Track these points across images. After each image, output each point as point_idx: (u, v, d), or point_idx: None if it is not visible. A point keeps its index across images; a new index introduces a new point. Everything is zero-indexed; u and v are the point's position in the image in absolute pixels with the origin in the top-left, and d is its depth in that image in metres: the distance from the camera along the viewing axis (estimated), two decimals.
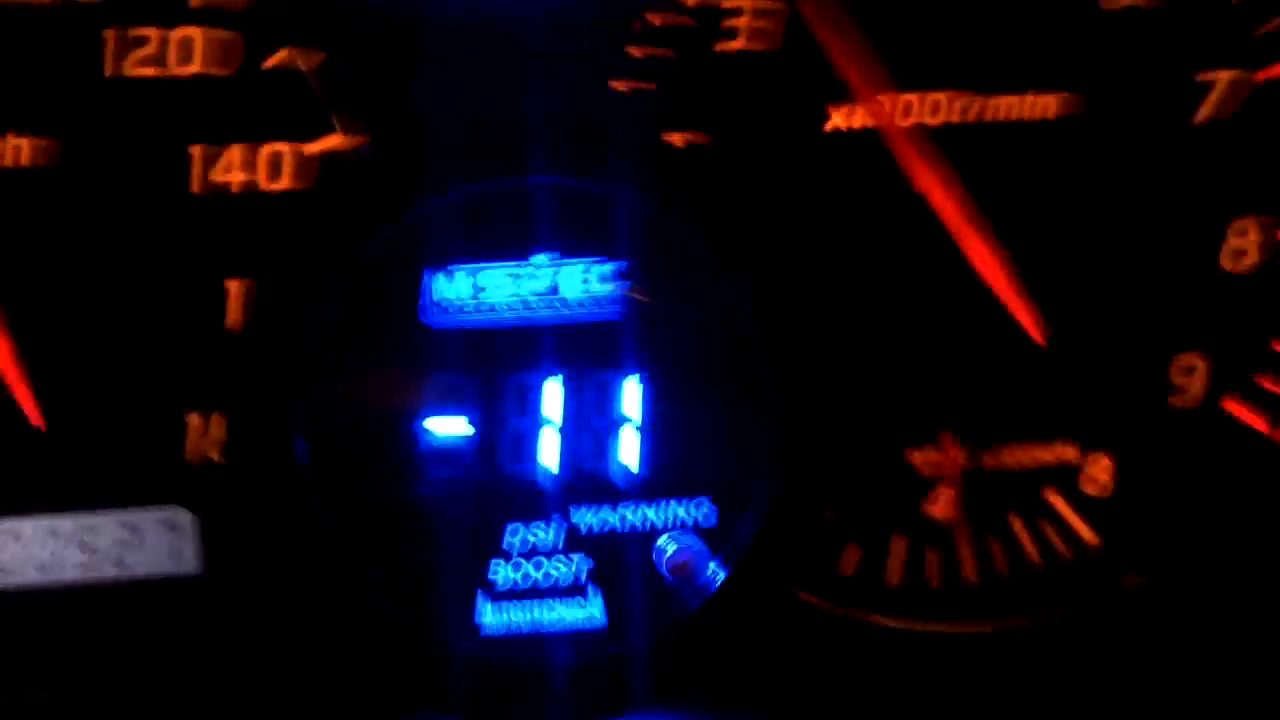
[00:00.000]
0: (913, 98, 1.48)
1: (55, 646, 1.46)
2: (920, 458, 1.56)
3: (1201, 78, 1.51)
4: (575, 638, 1.44)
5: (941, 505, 1.57)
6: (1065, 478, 1.58)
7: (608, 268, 1.41)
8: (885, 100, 1.47)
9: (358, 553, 1.42)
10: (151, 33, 1.39)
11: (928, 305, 1.53)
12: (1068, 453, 1.58)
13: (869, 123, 1.48)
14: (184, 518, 1.46)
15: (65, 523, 1.46)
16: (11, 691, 1.46)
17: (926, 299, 1.53)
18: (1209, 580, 1.60)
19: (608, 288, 1.41)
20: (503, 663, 1.44)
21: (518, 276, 1.40)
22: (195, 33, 1.39)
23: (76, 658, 1.47)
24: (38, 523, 1.45)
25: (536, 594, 1.44)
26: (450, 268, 1.40)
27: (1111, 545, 1.59)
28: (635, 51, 1.44)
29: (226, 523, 1.45)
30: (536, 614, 1.44)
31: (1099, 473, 1.59)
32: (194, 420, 1.44)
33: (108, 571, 1.46)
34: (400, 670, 1.44)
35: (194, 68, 1.40)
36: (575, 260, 1.41)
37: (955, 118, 1.49)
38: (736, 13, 1.45)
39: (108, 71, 1.39)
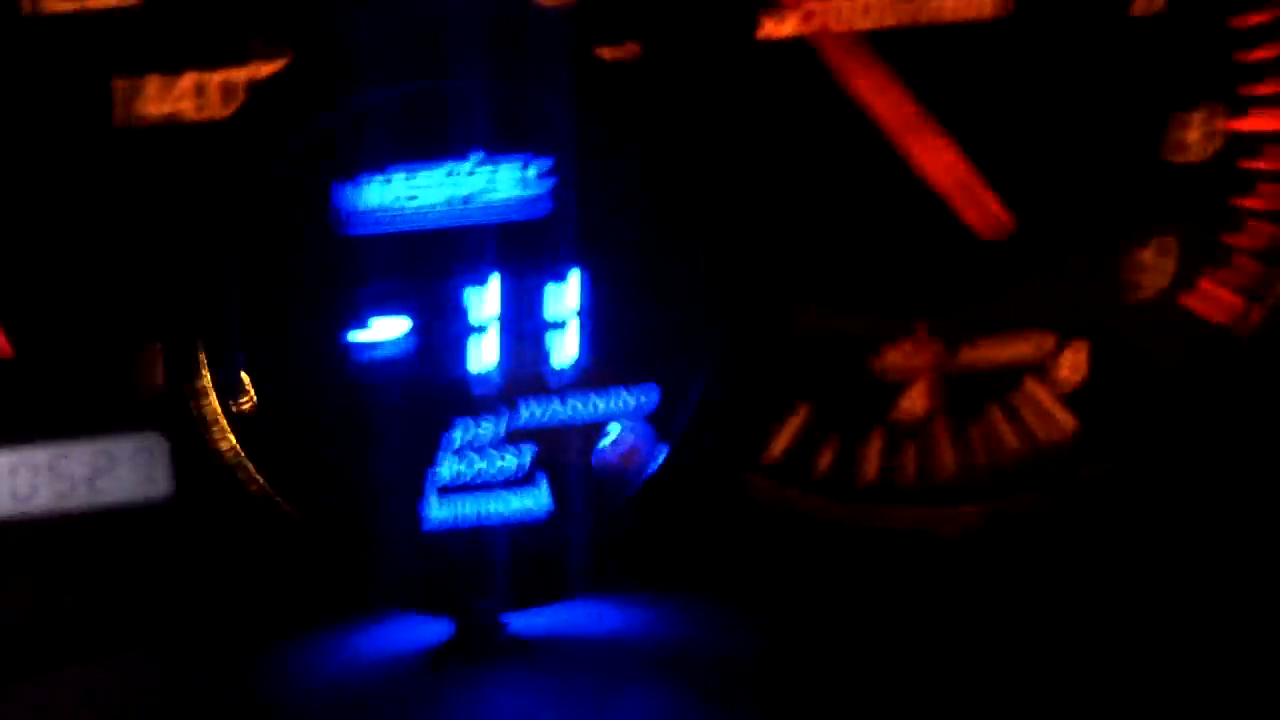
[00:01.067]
0: (844, 1, 1.52)
1: (29, 574, 1.49)
2: (894, 354, 1.57)
3: None
4: (521, 524, 1.45)
5: (915, 399, 1.58)
6: (1041, 367, 1.59)
7: (533, 168, 1.42)
8: (816, 4, 1.52)
9: (306, 462, 1.43)
10: None
11: (877, 205, 1.54)
12: (1045, 343, 1.58)
13: (802, 30, 1.52)
14: (157, 442, 1.49)
15: (39, 452, 1.49)
16: None
17: (876, 199, 1.54)
18: (1179, 468, 1.60)
19: (536, 187, 1.42)
20: (453, 553, 1.45)
21: (443, 179, 1.42)
22: None
23: (49, 584, 1.49)
24: (11, 453, 1.48)
25: (484, 487, 1.45)
26: (368, 174, 1.41)
27: (1087, 431, 1.60)
28: None
29: (188, 445, 1.47)
30: (484, 505, 1.45)
31: (1076, 359, 1.59)
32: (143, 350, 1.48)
33: (82, 499, 1.49)
34: (349, 569, 1.45)
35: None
36: (502, 160, 1.42)
37: (890, 20, 1.52)
38: None
39: (26, 10, 1.43)
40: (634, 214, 1.44)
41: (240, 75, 1.47)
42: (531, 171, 1.42)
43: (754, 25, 1.51)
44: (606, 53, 1.48)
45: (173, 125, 1.46)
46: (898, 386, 1.57)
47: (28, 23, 1.43)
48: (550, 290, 1.44)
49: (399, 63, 1.41)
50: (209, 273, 1.41)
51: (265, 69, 1.46)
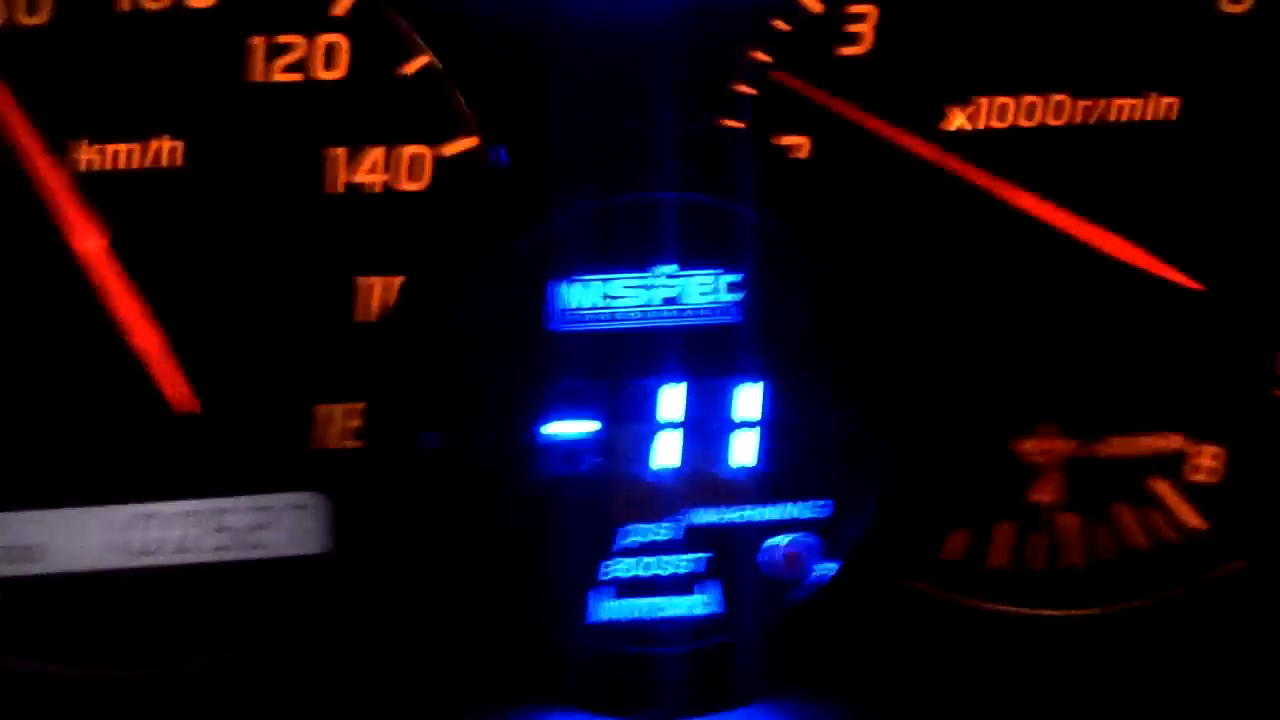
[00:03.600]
0: (1036, 99, 1.53)
1: (190, 623, 1.52)
2: (1026, 446, 1.60)
3: None
4: (691, 626, 1.49)
5: (1046, 491, 1.63)
6: (1172, 465, 1.63)
7: (727, 278, 1.45)
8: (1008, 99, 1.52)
9: (479, 545, 1.47)
10: (298, 40, 1.43)
11: (1033, 300, 1.57)
12: (1175, 442, 1.62)
13: (983, 124, 1.53)
14: (317, 501, 1.52)
15: (203, 506, 1.51)
16: (148, 665, 1.51)
17: (1032, 295, 1.57)
18: None
19: (728, 296, 1.46)
20: (619, 652, 1.49)
21: (641, 286, 1.45)
22: (339, 39, 1.44)
23: (209, 634, 1.52)
24: (177, 506, 1.50)
25: (655, 587, 1.49)
26: (576, 277, 1.44)
27: (1217, 531, 1.64)
28: (758, 55, 1.48)
29: (357, 507, 1.50)
30: (654, 605, 1.49)
31: (1208, 460, 1.63)
32: (323, 411, 1.50)
33: (243, 553, 1.52)
34: (517, 659, 1.49)
35: (338, 73, 1.44)
36: (696, 271, 1.45)
37: (1077, 118, 1.54)
38: (858, 18, 1.50)
39: (253, 77, 1.43)
40: (818, 326, 1.47)
41: (450, 151, 1.48)
42: (722, 282, 1.45)
43: (940, 116, 1.52)
44: (790, 142, 1.51)
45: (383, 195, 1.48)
46: (1030, 476, 1.62)
47: (250, 89, 1.43)
48: (735, 396, 1.47)
49: (601, 178, 1.44)
50: (418, 345, 1.44)
51: (477, 147, 1.48)
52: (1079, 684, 1.59)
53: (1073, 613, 1.63)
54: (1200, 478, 1.64)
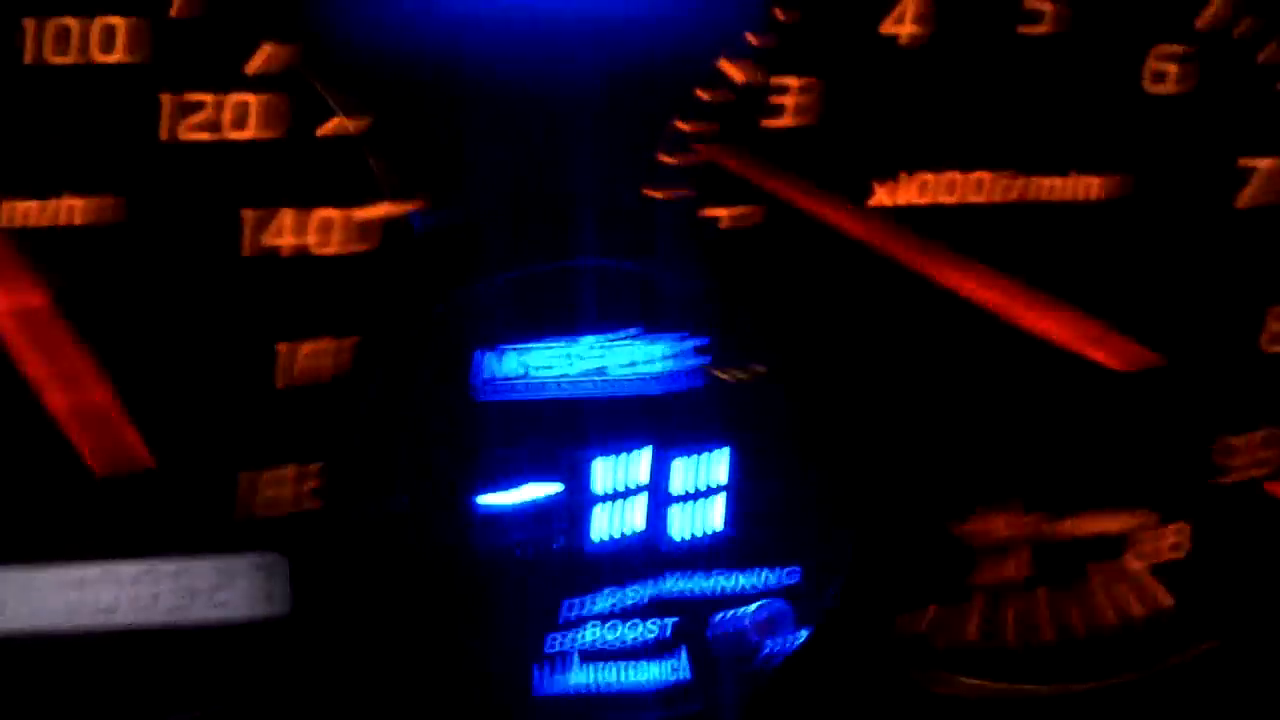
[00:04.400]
0: (956, 176, 1.53)
1: (147, 684, 1.49)
2: (988, 522, 1.59)
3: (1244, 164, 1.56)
4: (658, 694, 1.48)
5: (1011, 567, 1.61)
6: (1137, 542, 1.62)
7: (657, 347, 1.45)
8: (930, 176, 1.52)
9: (424, 615, 1.46)
10: (206, 98, 1.41)
11: (986, 376, 1.56)
12: (1139, 519, 1.61)
13: (913, 199, 1.53)
14: (277, 561, 1.49)
15: (163, 566, 1.49)
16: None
17: (982, 370, 1.56)
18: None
19: (654, 365, 1.45)
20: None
21: (585, 352, 1.45)
22: (250, 99, 1.41)
23: (167, 695, 1.49)
24: (135, 566, 1.48)
25: (623, 654, 1.48)
26: (500, 347, 1.43)
27: (1186, 608, 1.63)
28: (683, 126, 1.48)
29: (313, 568, 1.48)
30: (621, 673, 1.48)
31: (1172, 537, 1.62)
32: (274, 474, 1.48)
33: (201, 613, 1.49)
34: None
35: (248, 133, 1.42)
36: (622, 338, 1.45)
37: (998, 197, 1.53)
38: (783, 90, 1.49)
39: (163, 135, 1.41)
40: (778, 392, 1.46)
41: (365, 215, 1.46)
42: (668, 349, 1.45)
43: (867, 193, 1.52)
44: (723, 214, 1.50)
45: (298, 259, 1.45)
46: (996, 553, 1.60)
47: (166, 150, 1.41)
48: (698, 463, 1.45)
49: (523, 244, 1.44)
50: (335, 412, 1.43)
51: (394, 210, 1.46)
52: None
53: (1045, 689, 1.62)
54: (1167, 555, 1.63)
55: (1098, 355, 1.57)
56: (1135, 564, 1.63)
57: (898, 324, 1.54)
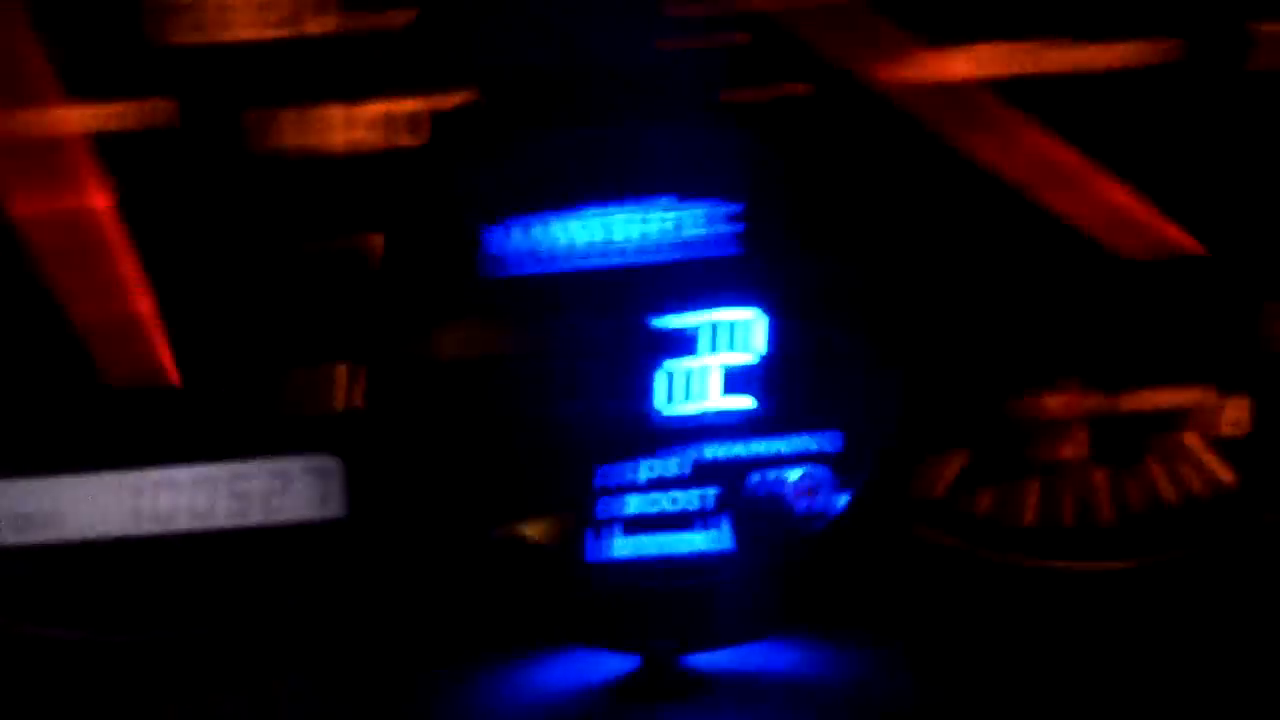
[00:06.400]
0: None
1: (207, 589, 1.51)
2: (1047, 401, 1.58)
3: None
4: (701, 562, 1.48)
5: (1070, 446, 1.60)
6: (1198, 418, 1.60)
7: (716, 209, 1.46)
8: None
9: (488, 493, 1.47)
10: None
11: (1027, 254, 1.55)
12: (1199, 395, 1.59)
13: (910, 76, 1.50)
14: (330, 464, 1.51)
15: (218, 471, 1.51)
16: (165, 633, 1.50)
17: (1023, 248, 1.55)
18: None
19: (715, 228, 1.46)
20: (635, 590, 1.48)
21: (633, 220, 1.45)
22: None
23: (225, 600, 1.51)
24: (191, 471, 1.51)
25: (667, 524, 1.48)
26: (562, 212, 1.44)
27: (1247, 484, 1.61)
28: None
29: (367, 468, 1.50)
30: (663, 542, 1.48)
31: (1233, 413, 1.60)
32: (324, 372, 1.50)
33: (256, 517, 1.51)
34: (529, 598, 1.49)
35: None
36: (690, 203, 1.46)
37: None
38: None
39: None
40: (819, 259, 1.47)
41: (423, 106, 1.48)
42: (715, 214, 1.45)
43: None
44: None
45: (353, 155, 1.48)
46: (1056, 432, 1.59)
47: (220, 50, 1.45)
48: (738, 331, 1.46)
49: (580, 107, 1.45)
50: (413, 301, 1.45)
51: (448, 101, 1.48)
52: (1110, 639, 1.55)
53: (1104, 567, 1.60)
54: (1227, 430, 1.61)
55: (1127, 242, 1.56)
56: (1195, 441, 1.61)
57: (941, 200, 1.53)
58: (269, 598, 1.52)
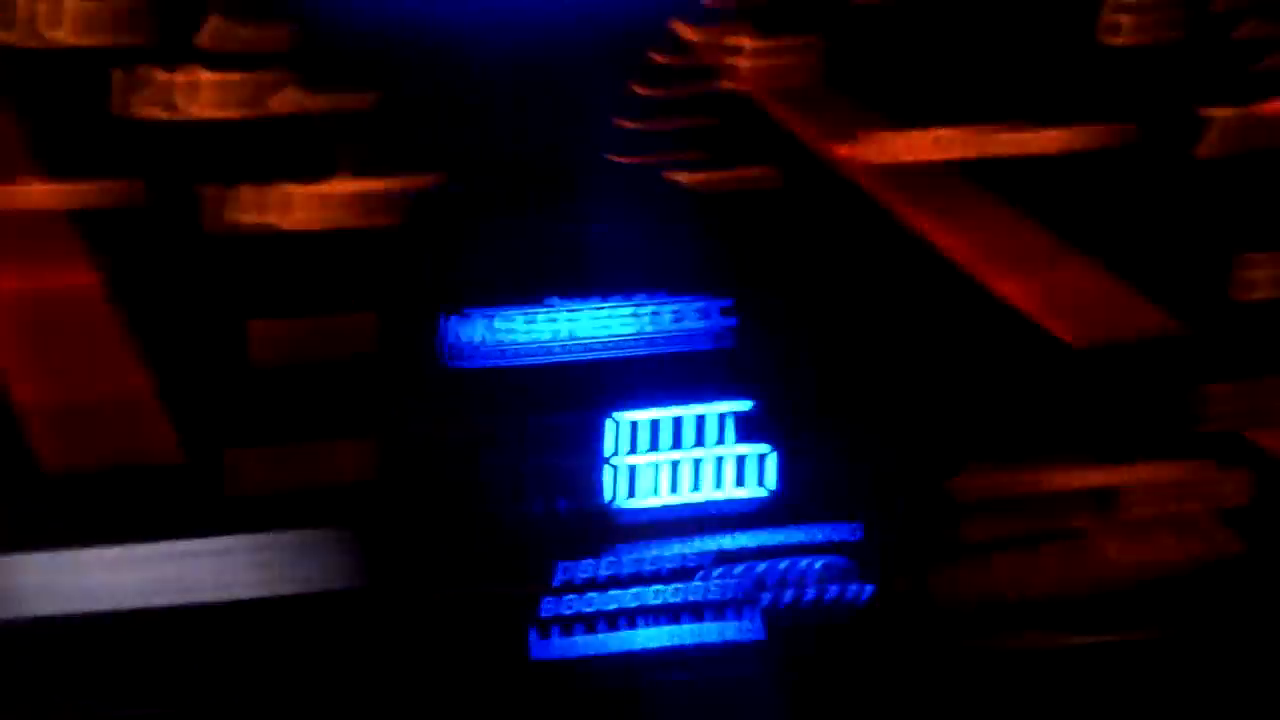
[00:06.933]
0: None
1: (227, 661, 1.54)
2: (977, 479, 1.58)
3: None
4: (720, 655, 1.52)
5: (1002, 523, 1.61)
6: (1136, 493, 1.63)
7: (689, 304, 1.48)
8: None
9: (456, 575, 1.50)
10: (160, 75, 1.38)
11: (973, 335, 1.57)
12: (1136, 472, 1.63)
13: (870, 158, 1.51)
14: (347, 535, 1.54)
15: (237, 542, 1.52)
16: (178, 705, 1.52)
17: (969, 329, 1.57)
18: None
19: (661, 324, 1.47)
20: (653, 681, 1.51)
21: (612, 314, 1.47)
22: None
23: (241, 672, 1.54)
24: (211, 543, 1.52)
25: (680, 613, 1.51)
26: (523, 306, 1.45)
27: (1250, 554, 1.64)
28: (641, 90, 1.46)
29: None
30: (682, 632, 1.51)
31: (1237, 484, 1.63)
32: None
33: (278, 588, 1.53)
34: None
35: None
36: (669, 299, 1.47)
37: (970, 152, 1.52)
38: (737, 50, 1.47)
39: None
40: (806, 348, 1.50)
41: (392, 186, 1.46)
42: (688, 309, 1.47)
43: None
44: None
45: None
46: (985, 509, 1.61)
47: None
48: (741, 421, 1.49)
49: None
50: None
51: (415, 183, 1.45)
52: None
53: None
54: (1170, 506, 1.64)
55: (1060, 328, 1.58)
56: (1134, 516, 1.65)
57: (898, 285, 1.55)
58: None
